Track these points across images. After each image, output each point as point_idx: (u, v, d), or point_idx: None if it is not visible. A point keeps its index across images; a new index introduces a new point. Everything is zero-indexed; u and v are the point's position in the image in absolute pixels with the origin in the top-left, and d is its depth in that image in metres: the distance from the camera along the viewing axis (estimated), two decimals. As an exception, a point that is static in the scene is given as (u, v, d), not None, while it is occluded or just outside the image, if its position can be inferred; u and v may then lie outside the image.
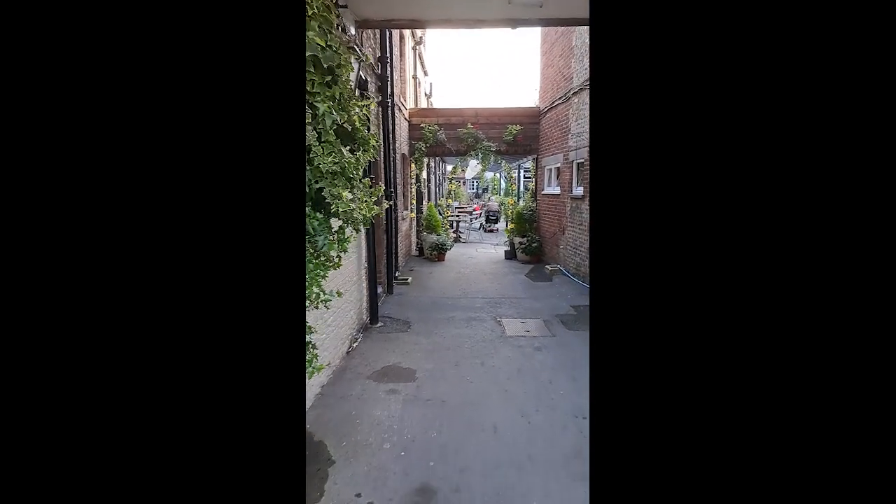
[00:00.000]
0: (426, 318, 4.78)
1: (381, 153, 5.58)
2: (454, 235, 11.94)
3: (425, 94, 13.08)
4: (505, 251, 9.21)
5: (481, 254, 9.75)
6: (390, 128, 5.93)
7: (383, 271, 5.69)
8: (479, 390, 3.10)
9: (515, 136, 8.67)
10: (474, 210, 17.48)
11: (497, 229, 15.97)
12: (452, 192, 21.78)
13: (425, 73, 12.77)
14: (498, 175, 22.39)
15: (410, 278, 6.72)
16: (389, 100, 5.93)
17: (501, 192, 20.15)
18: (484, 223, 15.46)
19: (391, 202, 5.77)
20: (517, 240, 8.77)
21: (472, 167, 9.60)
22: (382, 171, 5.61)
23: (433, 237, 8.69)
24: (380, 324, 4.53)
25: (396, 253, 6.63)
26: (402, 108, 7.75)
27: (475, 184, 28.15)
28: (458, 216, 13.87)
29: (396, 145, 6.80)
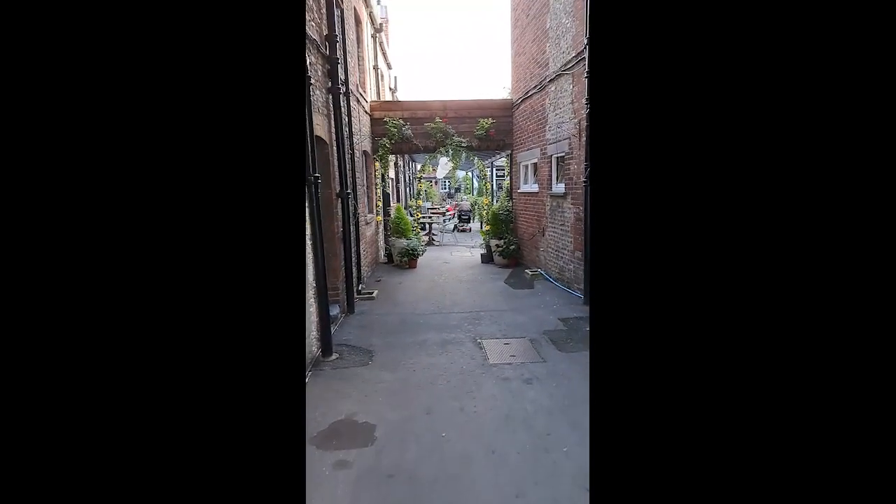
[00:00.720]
0: (393, 344, 4.00)
1: (335, 148, 4.76)
2: (426, 238, 11.18)
3: (390, 89, 12.28)
4: (481, 254, 8.53)
5: (456, 258, 9.03)
6: (345, 119, 5.11)
7: (340, 287, 4.87)
8: (459, 452, 2.36)
9: (487, 131, 7.99)
10: (447, 211, 16.79)
11: (470, 229, 15.40)
12: (424, 192, 21.03)
13: (389, 67, 11.96)
14: (470, 174, 21.76)
15: (376, 291, 5.91)
16: (343, 87, 5.11)
17: (474, 192, 19.52)
18: (457, 223, 14.80)
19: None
20: (493, 242, 8.10)
21: (443, 165, 8.83)
22: (336, 169, 4.79)
23: (403, 242, 7.91)
24: (334, 356, 3.72)
25: (359, 263, 5.81)
26: (361, 99, 6.94)
27: (447, 183, 27.48)
28: (430, 217, 13.12)
29: (355, 140, 5.98)
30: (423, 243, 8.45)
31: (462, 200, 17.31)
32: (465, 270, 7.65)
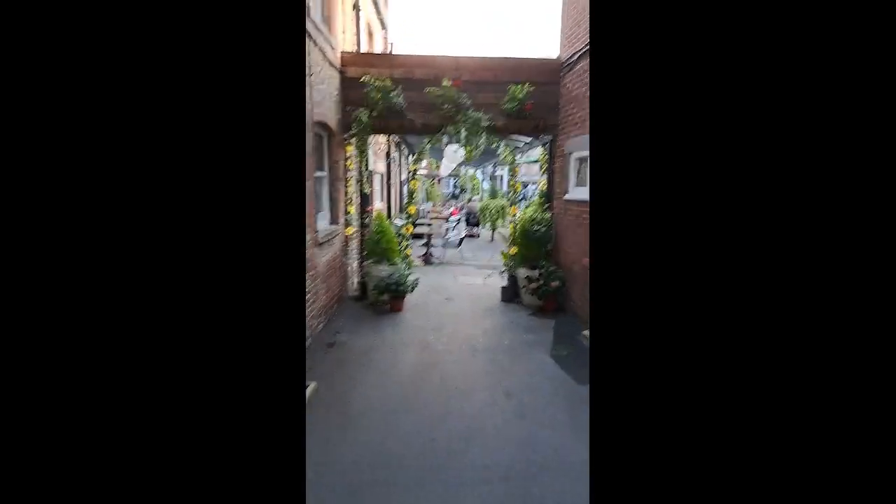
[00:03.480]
0: None
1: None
2: (423, 255, 8.40)
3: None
4: (502, 288, 5.74)
5: (463, 290, 6.23)
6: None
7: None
8: None
9: (522, 103, 5.20)
10: (451, 215, 14.02)
11: (479, 234, 12.72)
12: (425, 192, 18.20)
13: (383, 26, 9.15)
14: (479, 173, 18.93)
15: (313, 385, 3.11)
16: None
17: (483, 194, 16.75)
18: (465, 230, 12.09)
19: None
20: (523, 272, 5.33)
21: (451, 155, 6.01)
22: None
23: (382, 270, 5.12)
24: None
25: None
26: (322, 39, 4.14)
27: (452, 182, 24.68)
28: (429, 224, 10.33)
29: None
30: (413, 266, 5.65)
31: (472, 200, 14.55)
32: (480, 320, 4.85)
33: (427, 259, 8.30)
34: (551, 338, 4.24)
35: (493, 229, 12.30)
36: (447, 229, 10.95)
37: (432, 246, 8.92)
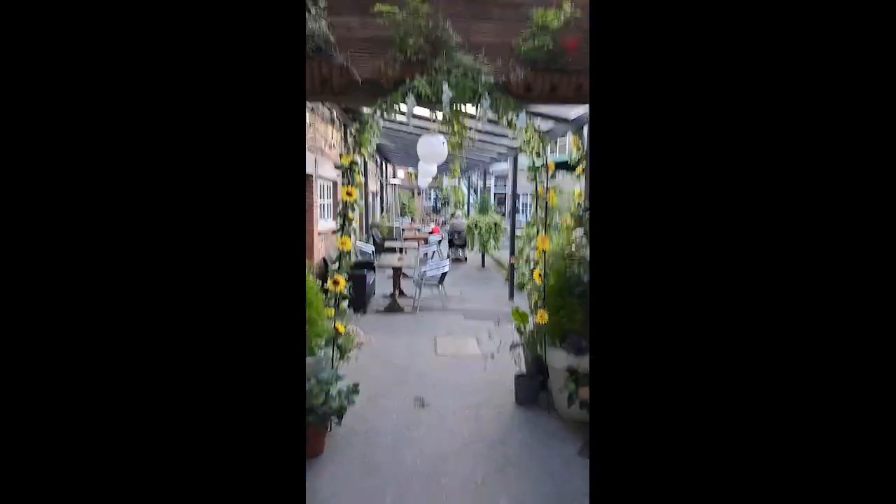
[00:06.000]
0: None
1: None
2: (389, 298, 5.79)
3: None
4: (516, 378, 3.17)
5: (449, 375, 3.63)
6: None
7: None
8: None
9: (557, 41, 2.72)
10: (432, 233, 11.49)
11: (465, 258, 10.30)
12: (400, 207, 15.64)
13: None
14: (464, 183, 16.44)
15: None
16: None
17: (470, 209, 14.25)
18: (448, 252, 9.59)
19: None
20: (559, 357, 2.80)
21: (429, 152, 3.36)
22: None
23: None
24: None
25: None
26: None
27: (433, 194, 22.18)
28: (401, 251, 7.75)
29: None
30: (353, 351, 3.02)
31: (455, 216, 12.04)
32: (484, 484, 2.25)
33: (393, 302, 5.69)
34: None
35: (485, 252, 9.83)
36: (425, 254, 8.38)
37: (405, 277, 6.32)
